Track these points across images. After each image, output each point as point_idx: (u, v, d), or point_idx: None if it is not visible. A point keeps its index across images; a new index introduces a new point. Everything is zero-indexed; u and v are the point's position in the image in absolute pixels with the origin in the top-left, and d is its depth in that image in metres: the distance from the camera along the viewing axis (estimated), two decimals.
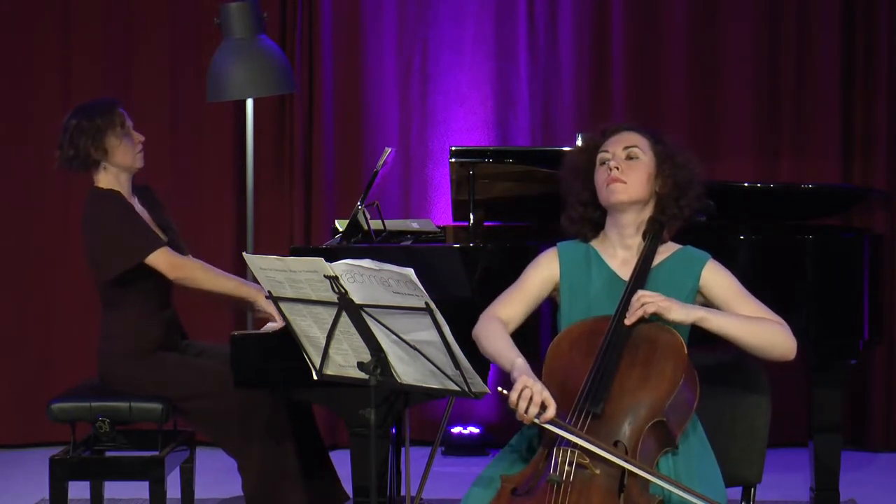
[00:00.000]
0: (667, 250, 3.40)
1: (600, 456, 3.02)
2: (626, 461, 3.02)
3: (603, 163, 3.37)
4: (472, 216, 4.64)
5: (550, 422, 3.03)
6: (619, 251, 3.40)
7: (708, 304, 3.34)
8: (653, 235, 3.37)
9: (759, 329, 3.25)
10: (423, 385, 3.10)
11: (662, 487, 3.07)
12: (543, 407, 3.05)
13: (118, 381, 4.38)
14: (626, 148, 3.36)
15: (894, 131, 6.10)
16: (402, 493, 4.85)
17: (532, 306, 3.45)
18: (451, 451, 6.07)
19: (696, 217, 3.45)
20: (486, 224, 4.82)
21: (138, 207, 4.46)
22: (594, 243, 3.43)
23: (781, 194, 5.03)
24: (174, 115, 6.26)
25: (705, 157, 3.87)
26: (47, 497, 4.34)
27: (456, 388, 3.04)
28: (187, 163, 6.27)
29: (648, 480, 3.06)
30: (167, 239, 4.45)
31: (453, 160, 4.67)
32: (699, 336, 3.30)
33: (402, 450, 4.76)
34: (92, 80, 6.17)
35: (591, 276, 3.38)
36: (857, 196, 5.33)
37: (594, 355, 3.19)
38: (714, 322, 3.23)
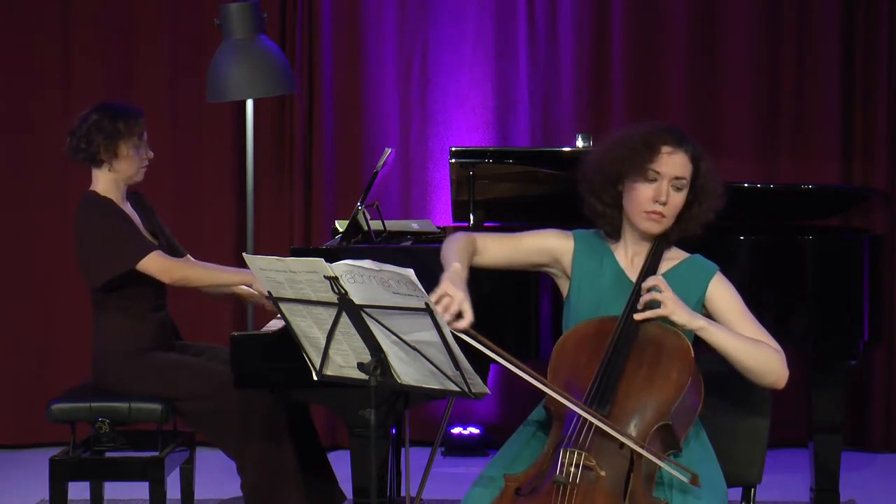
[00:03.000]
0: (676, 256, 3.36)
1: (605, 451, 3.03)
2: (617, 432, 3.01)
3: (652, 180, 3.27)
4: (472, 217, 4.64)
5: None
6: (630, 251, 3.36)
7: (709, 317, 3.28)
8: (661, 238, 3.34)
9: (756, 352, 3.20)
10: (423, 385, 3.09)
11: (671, 474, 3.06)
12: (459, 316, 3.03)
13: (111, 383, 4.37)
14: (676, 179, 3.27)
15: (894, 132, 6.10)
16: (402, 493, 4.85)
17: (514, 261, 3.41)
18: (451, 452, 6.07)
19: None
20: (486, 224, 4.82)
21: (129, 212, 4.46)
22: (610, 243, 3.40)
23: (781, 195, 5.03)
24: (174, 116, 6.26)
25: None
26: (47, 497, 4.33)
27: (456, 388, 3.03)
28: (187, 163, 6.27)
29: (651, 484, 3.06)
30: (158, 243, 4.46)
31: (453, 161, 4.67)
32: (697, 338, 3.28)
33: (402, 450, 4.76)
34: (92, 81, 6.17)
35: (602, 269, 3.35)
36: (857, 196, 5.33)
37: (600, 356, 3.17)
38: (714, 335, 3.19)
